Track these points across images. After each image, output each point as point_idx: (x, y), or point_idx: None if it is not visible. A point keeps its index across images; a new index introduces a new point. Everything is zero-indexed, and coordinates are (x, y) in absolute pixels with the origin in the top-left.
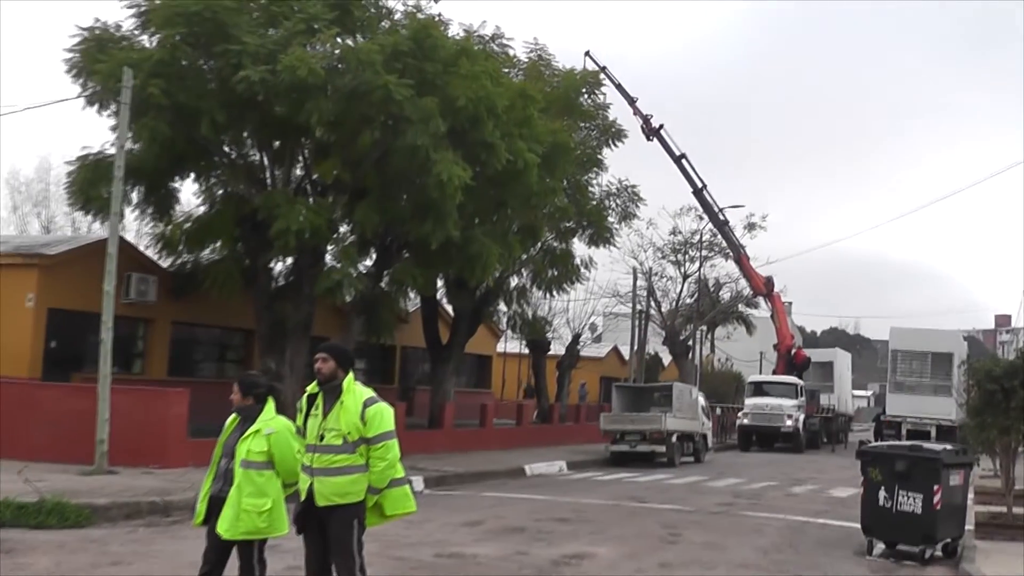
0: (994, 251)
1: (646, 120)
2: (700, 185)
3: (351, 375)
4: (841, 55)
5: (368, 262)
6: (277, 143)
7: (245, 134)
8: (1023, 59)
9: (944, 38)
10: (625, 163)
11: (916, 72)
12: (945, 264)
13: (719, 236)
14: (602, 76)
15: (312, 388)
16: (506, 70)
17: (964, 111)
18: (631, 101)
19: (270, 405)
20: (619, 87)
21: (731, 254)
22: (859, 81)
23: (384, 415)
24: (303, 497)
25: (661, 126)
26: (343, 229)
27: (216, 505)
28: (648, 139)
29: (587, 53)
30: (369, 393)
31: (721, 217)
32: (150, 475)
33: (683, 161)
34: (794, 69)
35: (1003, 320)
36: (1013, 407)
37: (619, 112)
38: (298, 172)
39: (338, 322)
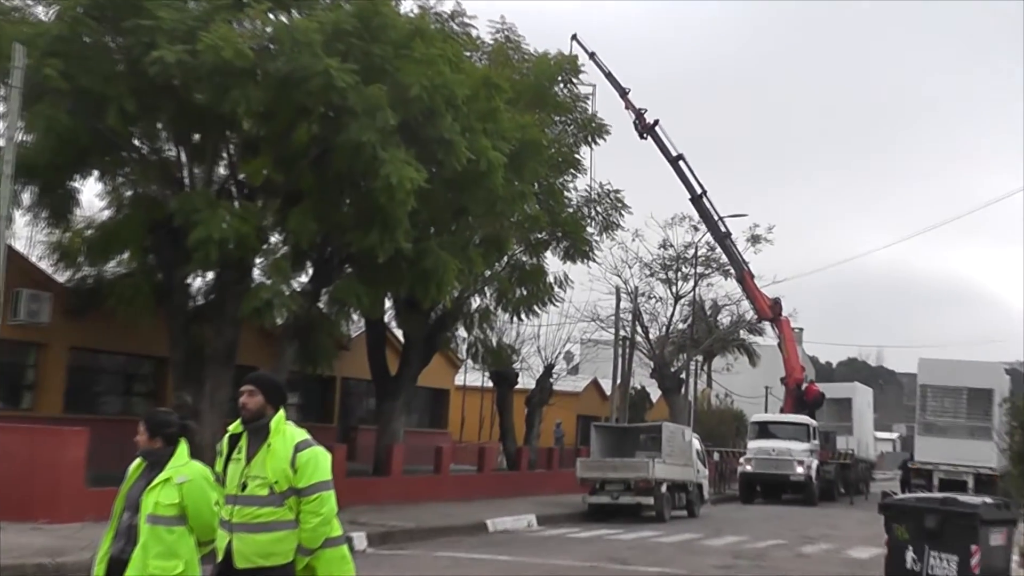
0: None
1: (639, 115)
2: (699, 191)
3: (282, 413)
4: (862, 44)
5: (304, 278)
6: (197, 137)
7: (159, 125)
8: None
9: (990, 29)
10: (608, 164)
11: (954, 65)
12: (984, 284)
13: (718, 250)
14: (582, 63)
15: (235, 427)
16: (468, 54)
17: (1010, 109)
18: (623, 93)
19: (182, 448)
20: (609, 76)
21: (733, 272)
22: (882, 71)
23: (319, 461)
24: (220, 558)
25: (656, 122)
26: (274, 239)
27: (117, 568)
28: (641, 137)
29: (574, 37)
30: (302, 435)
31: (723, 228)
32: (39, 531)
33: (680, 163)
34: (803, 60)
35: None
36: None
37: (608, 105)
38: (222, 171)
39: (267, 349)
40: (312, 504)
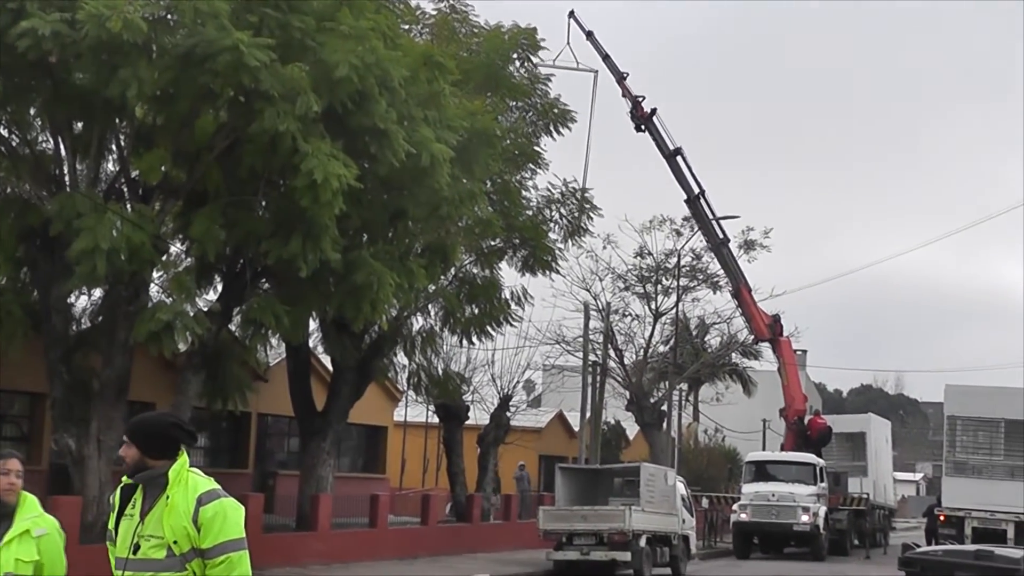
0: None
1: (636, 103)
2: (697, 191)
3: (183, 460)
4: (879, 28)
5: (211, 296)
6: (79, 126)
7: (32, 111)
8: None
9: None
10: (570, 157)
11: (978, 54)
12: (1019, 298)
13: (705, 259)
14: (541, 38)
15: (128, 478)
16: (406, 27)
17: None
18: (620, 78)
19: (33, 500)
20: (606, 58)
21: (728, 285)
22: (895, 62)
23: (228, 516)
24: None
25: (654, 111)
26: (175, 249)
27: None
28: (638, 129)
29: (571, 14)
30: (208, 485)
31: (720, 234)
32: None
33: (678, 159)
34: (807, 42)
35: None
36: None
37: (606, 95)
38: (110, 167)
39: (167, 381)
40: (220, 568)
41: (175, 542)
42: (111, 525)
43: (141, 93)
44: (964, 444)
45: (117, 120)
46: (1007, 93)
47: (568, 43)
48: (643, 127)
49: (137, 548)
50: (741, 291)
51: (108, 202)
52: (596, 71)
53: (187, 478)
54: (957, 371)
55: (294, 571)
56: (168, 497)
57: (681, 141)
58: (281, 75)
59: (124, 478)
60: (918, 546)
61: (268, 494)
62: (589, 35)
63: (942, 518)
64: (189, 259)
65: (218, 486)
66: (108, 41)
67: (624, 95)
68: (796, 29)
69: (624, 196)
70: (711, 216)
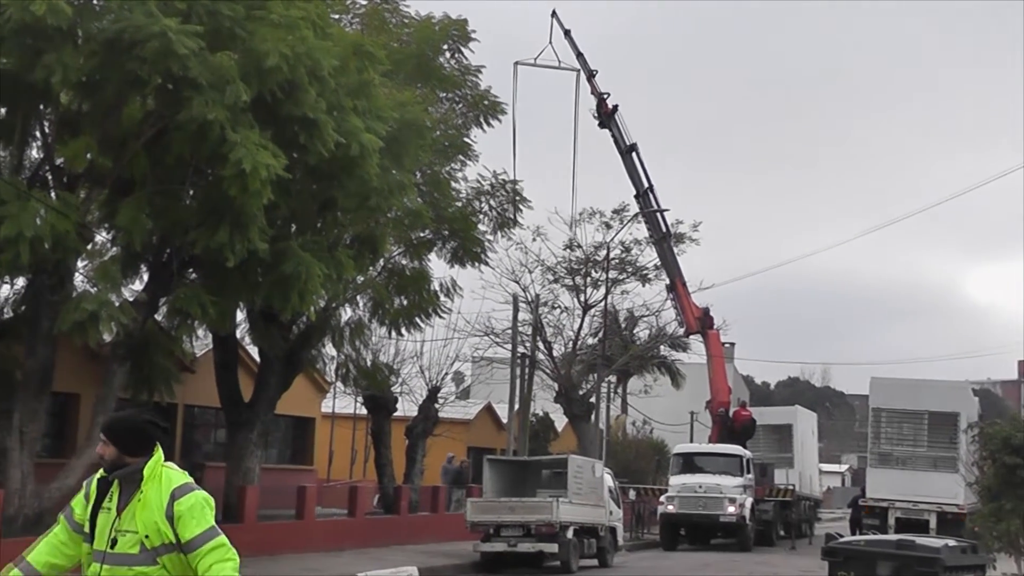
0: (1017, 272)
1: (602, 100)
2: (647, 185)
3: (159, 456)
4: (796, 24)
5: (137, 286)
6: (2, 111)
7: None
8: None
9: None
10: (497, 149)
11: (909, 44)
12: (947, 291)
13: (634, 252)
14: (472, 30)
15: (103, 472)
16: (336, 16)
17: (981, 91)
18: (590, 75)
19: None
20: (580, 56)
21: (663, 277)
22: (824, 61)
23: (203, 507)
24: None
25: (615, 108)
26: (101, 238)
27: None
28: (601, 126)
29: (553, 13)
30: (181, 479)
31: (664, 228)
32: None
33: (633, 154)
34: (728, 39)
35: None
36: None
37: (559, 87)
38: (34, 154)
39: (92, 372)
40: (213, 554)
41: (147, 537)
42: (83, 516)
43: (66, 79)
44: (889, 436)
45: (41, 106)
46: (934, 92)
47: (551, 42)
48: (607, 123)
49: (115, 542)
50: (677, 284)
51: (32, 189)
52: (579, 70)
53: (161, 473)
54: (882, 364)
55: None
56: (142, 492)
57: (600, 131)
58: (210, 63)
59: (100, 471)
60: (841, 536)
61: None
62: (567, 33)
63: (866, 509)
64: (115, 248)
65: (191, 480)
66: (32, 25)
67: (592, 92)
68: (725, 25)
69: (554, 188)
70: (658, 210)
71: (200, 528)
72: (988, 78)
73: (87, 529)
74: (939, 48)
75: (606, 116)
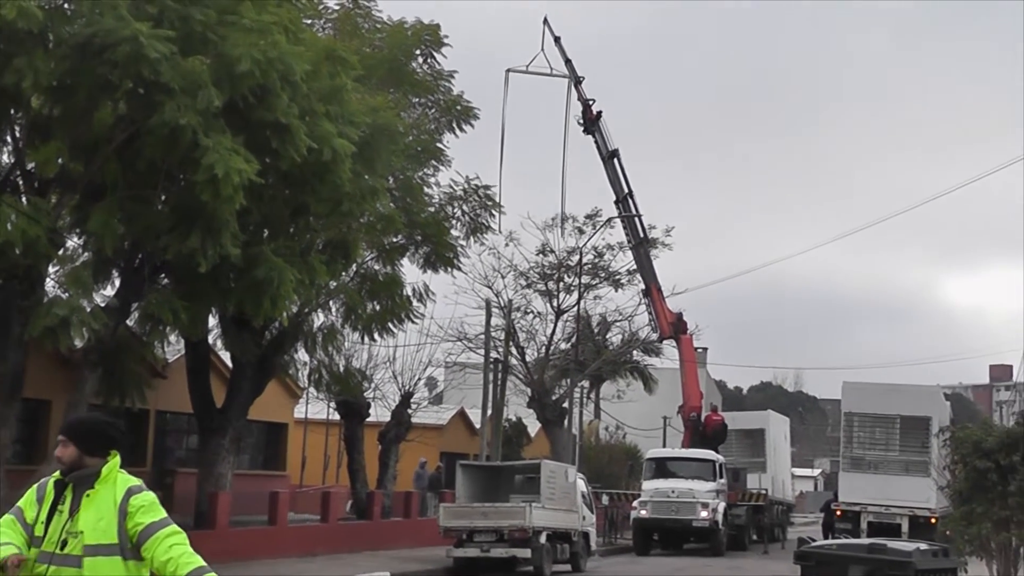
0: (988, 279)
1: (587, 106)
2: (627, 191)
3: (115, 460)
4: (769, 26)
5: (109, 291)
6: None
7: None
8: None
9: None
10: (470, 154)
11: (889, 50)
12: (919, 296)
13: (607, 257)
14: (445, 35)
15: (58, 474)
16: (308, 21)
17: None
18: (577, 81)
19: None
20: (568, 63)
21: (638, 282)
22: (797, 64)
23: (156, 504)
24: None
25: (599, 114)
26: (72, 243)
27: None
28: (586, 131)
29: (545, 20)
30: (137, 481)
31: (641, 233)
32: None
33: (615, 160)
34: (701, 42)
35: (1001, 372)
36: (1012, 492)
37: (539, 93)
38: (5, 159)
39: (64, 377)
40: (176, 536)
41: (94, 537)
42: (36, 518)
43: (37, 83)
44: (861, 440)
45: (12, 111)
46: (906, 99)
47: (543, 49)
48: (591, 129)
49: (64, 544)
50: (652, 290)
51: (3, 194)
52: (570, 77)
53: (116, 477)
54: (855, 369)
55: None
56: (94, 490)
57: (581, 137)
58: (182, 68)
59: (56, 473)
60: (814, 540)
61: (166, 492)
62: (557, 40)
63: (839, 513)
64: (86, 253)
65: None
66: (2, 29)
67: (578, 98)
68: (697, 27)
69: (528, 193)
70: (636, 215)
71: (157, 517)
72: (963, 83)
73: (39, 532)
74: (914, 53)
75: (590, 122)
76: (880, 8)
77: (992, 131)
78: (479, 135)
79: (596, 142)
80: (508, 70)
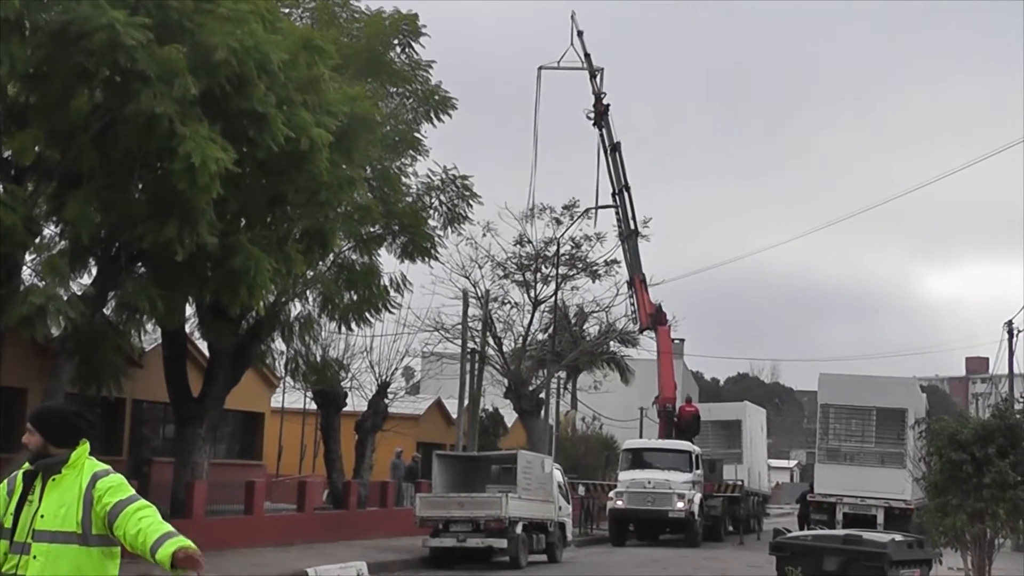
0: (965, 272)
1: (598, 99)
2: (624, 183)
3: (83, 448)
4: (759, 27)
5: (86, 280)
6: None
7: None
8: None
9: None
10: (450, 145)
11: (860, 45)
12: (896, 289)
13: (584, 247)
14: (423, 24)
15: (28, 464)
16: (286, 10)
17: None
18: (593, 74)
19: None
20: (587, 57)
21: (616, 274)
22: (778, 58)
23: (123, 484)
24: None
25: (608, 107)
26: (49, 231)
27: None
28: (595, 124)
29: (572, 16)
30: (105, 466)
31: (632, 225)
32: None
33: (617, 153)
34: (680, 32)
35: (977, 364)
36: (987, 484)
37: (480, 87)
38: None
39: (40, 366)
40: (146, 509)
41: (52, 524)
42: (5, 510)
43: (13, 70)
44: (837, 432)
45: None
46: (885, 93)
47: (572, 44)
48: (600, 122)
49: (35, 534)
50: (635, 281)
51: None
52: (602, 68)
53: (84, 464)
54: (831, 360)
55: None
56: (60, 475)
57: (560, 127)
58: (158, 56)
59: (26, 464)
60: (789, 531)
61: (142, 481)
62: (580, 34)
63: (814, 504)
64: (63, 242)
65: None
66: None
67: (593, 91)
68: (676, 20)
69: (505, 183)
70: (631, 208)
71: (125, 495)
72: (941, 78)
73: (8, 524)
74: (891, 50)
75: (599, 115)
76: (859, 3)
77: (970, 125)
78: (457, 125)
79: (601, 135)
80: (540, 67)
